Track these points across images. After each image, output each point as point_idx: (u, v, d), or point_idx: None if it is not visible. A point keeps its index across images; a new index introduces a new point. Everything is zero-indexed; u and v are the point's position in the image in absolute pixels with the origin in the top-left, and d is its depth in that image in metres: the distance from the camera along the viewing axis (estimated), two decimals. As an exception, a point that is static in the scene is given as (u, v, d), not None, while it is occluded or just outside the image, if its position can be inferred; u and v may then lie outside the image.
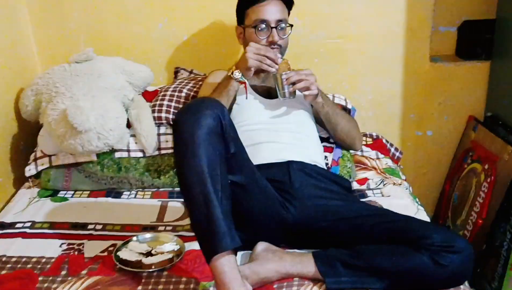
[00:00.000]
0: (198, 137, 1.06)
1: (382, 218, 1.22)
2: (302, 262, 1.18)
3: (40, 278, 1.19)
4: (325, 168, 1.49)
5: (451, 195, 1.95)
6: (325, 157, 1.57)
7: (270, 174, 1.32)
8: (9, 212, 1.48)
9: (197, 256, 1.27)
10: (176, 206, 1.54)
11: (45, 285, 1.17)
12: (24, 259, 1.26)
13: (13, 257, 1.27)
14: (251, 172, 1.24)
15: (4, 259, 1.26)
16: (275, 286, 1.16)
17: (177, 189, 1.62)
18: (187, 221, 1.45)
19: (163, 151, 1.63)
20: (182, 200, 1.55)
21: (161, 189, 1.63)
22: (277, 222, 1.27)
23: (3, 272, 1.21)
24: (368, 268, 1.13)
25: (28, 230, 1.39)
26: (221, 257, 1.04)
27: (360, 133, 1.63)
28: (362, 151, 1.74)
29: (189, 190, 1.07)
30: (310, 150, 1.45)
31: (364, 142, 1.77)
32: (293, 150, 1.39)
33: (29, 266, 1.24)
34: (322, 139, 1.58)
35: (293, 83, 1.37)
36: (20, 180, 1.66)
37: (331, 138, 1.61)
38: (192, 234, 1.36)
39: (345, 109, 1.72)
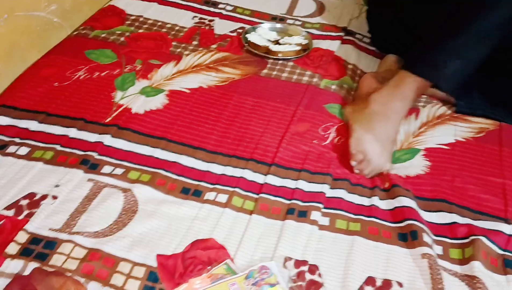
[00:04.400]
0: None
1: None
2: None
3: (174, 43, 1.24)
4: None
5: None
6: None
7: None
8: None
9: (324, 54, 1.24)
10: (308, 2, 1.46)
11: (178, 50, 1.22)
12: (159, 23, 1.31)
13: (149, 19, 1.32)
14: None
15: (141, 19, 1.32)
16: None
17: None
18: (317, 19, 1.39)
19: None
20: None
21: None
22: None
23: (141, 30, 1.28)
24: (508, 103, 1.03)
25: (163, -3, 1.42)
26: (425, 82, 0.95)
27: None
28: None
29: None
30: None
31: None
32: None
33: (163, 30, 1.29)
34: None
35: None
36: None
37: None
38: (320, 32, 1.33)
39: None
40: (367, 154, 0.92)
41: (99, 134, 0.97)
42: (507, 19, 0.90)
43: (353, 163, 0.93)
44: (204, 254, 0.77)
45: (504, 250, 0.79)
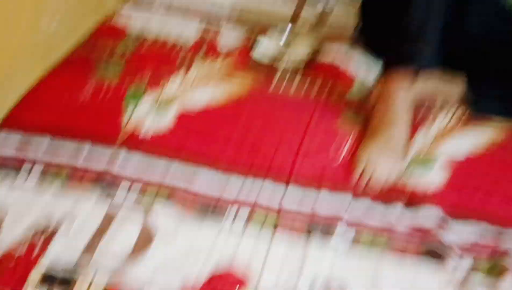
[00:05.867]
0: None
1: None
2: (451, 80, 1.09)
3: (180, 55, 1.21)
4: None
5: None
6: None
7: None
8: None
9: (332, 63, 1.22)
10: (311, 10, 1.44)
11: (185, 61, 1.18)
12: (163, 35, 1.27)
13: (152, 31, 1.29)
14: None
15: (144, 32, 1.28)
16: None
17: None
18: (322, 27, 1.38)
19: None
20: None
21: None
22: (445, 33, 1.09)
23: (145, 43, 1.24)
24: None
25: None
26: (406, 72, 0.96)
27: None
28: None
29: None
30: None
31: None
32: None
33: (169, 42, 1.25)
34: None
35: None
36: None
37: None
38: (326, 40, 1.31)
39: None
40: (369, 164, 0.91)
41: (109, 157, 0.94)
42: None
43: (356, 176, 0.92)
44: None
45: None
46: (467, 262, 0.78)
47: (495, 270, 0.77)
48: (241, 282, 0.75)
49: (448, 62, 1.11)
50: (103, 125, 1.01)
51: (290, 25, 1.29)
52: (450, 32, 1.07)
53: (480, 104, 1.06)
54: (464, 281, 0.75)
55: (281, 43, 1.26)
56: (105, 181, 0.88)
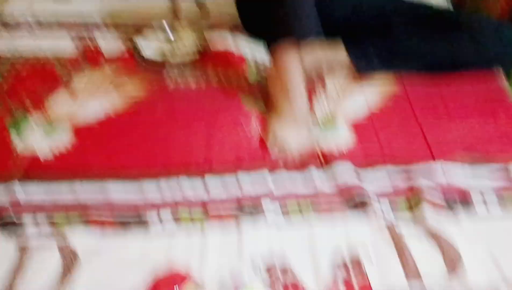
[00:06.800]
0: None
1: (425, 10, 1.15)
2: (332, 47, 1.15)
3: (59, 69, 1.13)
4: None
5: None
6: None
7: None
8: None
9: (220, 50, 1.22)
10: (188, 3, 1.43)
11: (66, 75, 1.11)
12: (36, 52, 1.18)
13: (23, 50, 1.19)
14: None
15: (15, 52, 1.18)
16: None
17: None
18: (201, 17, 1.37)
19: None
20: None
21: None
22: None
23: (17, 64, 1.14)
24: (403, 51, 1.10)
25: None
26: (291, 45, 0.97)
27: None
28: None
29: None
30: None
31: None
32: None
33: (43, 57, 1.17)
34: None
35: None
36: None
37: None
38: (210, 28, 1.31)
39: None
40: (279, 140, 0.95)
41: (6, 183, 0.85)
42: None
43: (274, 155, 0.94)
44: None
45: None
46: (385, 205, 0.84)
47: (412, 203, 0.84)
48: (185, 278, 0.73)
49: (325, 32, 1.15)
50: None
51: (165, 21, 1.27)
52: (321, 6, 1.11)
53: (362, 64, 1.11)
54: (390, 222, 0.80)
55: (170, 38, 1.23)
56: (9, 217, 0.80)
